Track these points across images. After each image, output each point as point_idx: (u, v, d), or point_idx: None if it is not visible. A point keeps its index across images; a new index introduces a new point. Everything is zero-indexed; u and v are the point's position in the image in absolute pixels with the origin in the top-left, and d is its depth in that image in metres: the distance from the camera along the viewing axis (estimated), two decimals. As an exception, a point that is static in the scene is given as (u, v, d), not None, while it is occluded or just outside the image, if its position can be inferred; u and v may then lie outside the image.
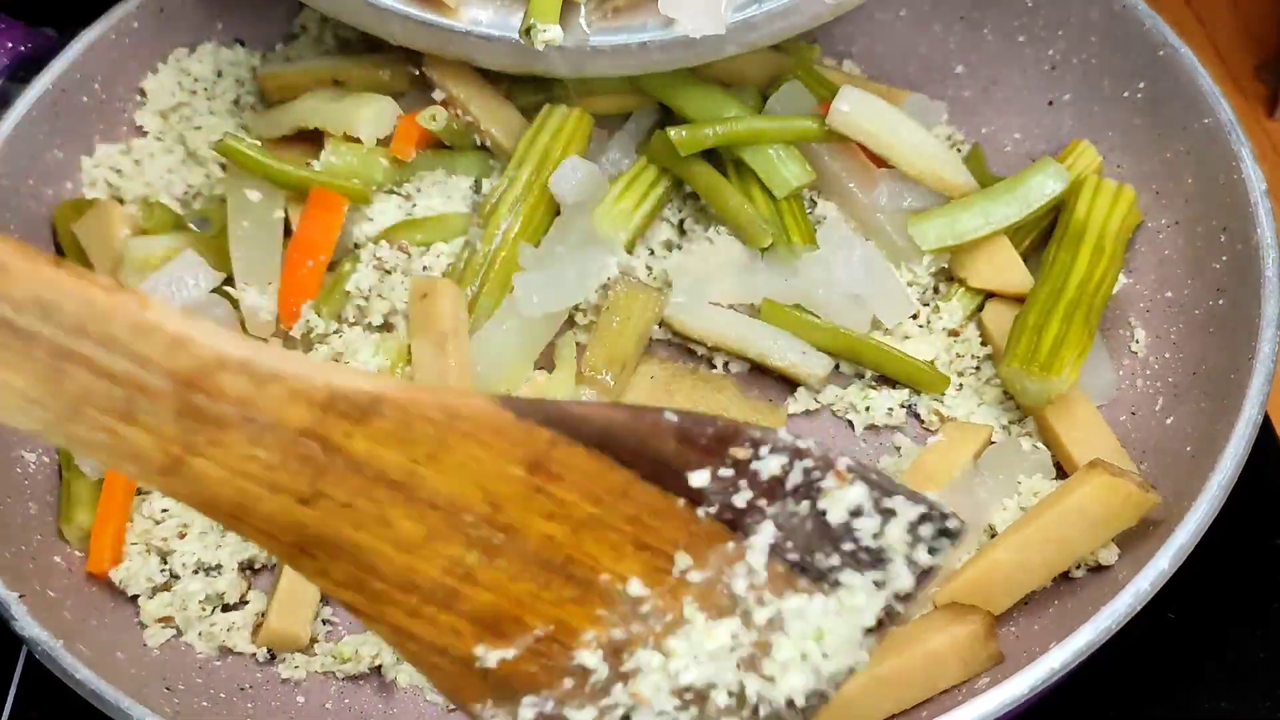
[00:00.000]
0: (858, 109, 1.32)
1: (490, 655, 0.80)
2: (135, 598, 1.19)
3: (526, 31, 1.19)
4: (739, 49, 1.27)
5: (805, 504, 0.81)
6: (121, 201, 1.39)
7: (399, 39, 1.28)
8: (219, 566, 1.19)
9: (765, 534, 0.81)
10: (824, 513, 0.81)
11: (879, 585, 0.82)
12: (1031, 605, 1.15)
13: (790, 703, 0.83)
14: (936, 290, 1.35)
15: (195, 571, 1.19)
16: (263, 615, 1.18)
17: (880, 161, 1.36)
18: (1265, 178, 1.24)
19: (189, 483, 0.75)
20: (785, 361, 1.30)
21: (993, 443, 1.24)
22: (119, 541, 1.19)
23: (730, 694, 0.82)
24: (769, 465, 0.80)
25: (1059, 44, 1.44)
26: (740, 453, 0.80)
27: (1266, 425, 1.34)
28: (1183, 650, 1.24)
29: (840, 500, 0.81)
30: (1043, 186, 1.33)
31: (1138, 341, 1.30)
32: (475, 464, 0.78)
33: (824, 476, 0.81)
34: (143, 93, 1.44)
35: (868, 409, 1.30)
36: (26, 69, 1.45)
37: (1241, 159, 1.24)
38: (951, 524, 0.83)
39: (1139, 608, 1.03)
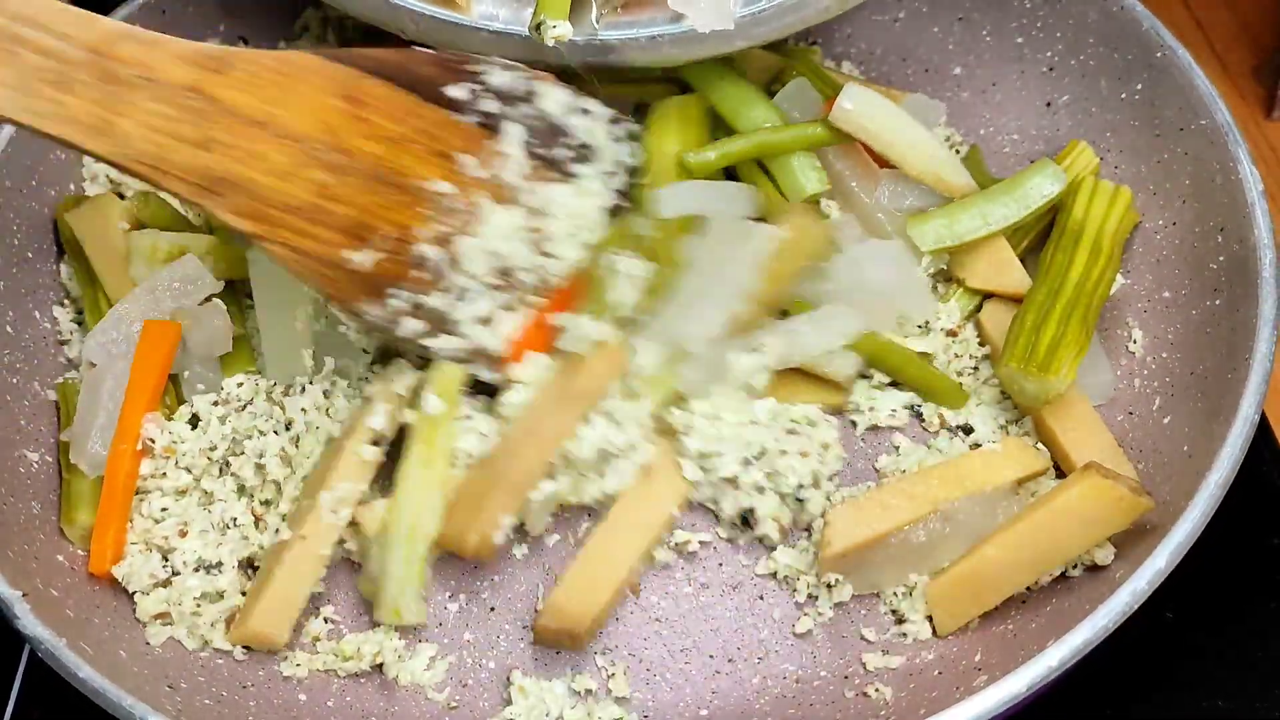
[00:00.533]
0: (861, 107, 1.32)
1: (355, 257, 1.10)
2: (136, 595, 1.19)
3: (536, 28, 1.20)
4: (747, 43, 1.28)
5: (531, 107, 1.19)
6: (122, 197, 1.40)
7: (411, 34, 1.29)
8: (219, 564, 1.19)
9: (515, 132, 1.18)
10: (546, 113, 1.20)
11: (607, 175, 1.24)
12: (1029, 604, 1.15)
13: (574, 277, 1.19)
14: (935, 290, 1.36)
15: (195, 569, 1.19)
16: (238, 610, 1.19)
17: (882, 162, 1.36)
18: (1262, 178, 1.24)
19: (118, 141, 0.99)
20: (812, 360, 1.28)
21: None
22: (120, 541, 1.20)
23: (528, 271, 1.19)
24: (498, 78, 1.18)
25: (1057, 45, 1.44)
26: (474, 68, 1.16)
27: (1263, 425, 1.35)
28: (1180, 649, 1.24)
29: (551, 98, 1.21)
30: (1040, 188, 1.33)
31: (1135, 342, 1.30)
32: (307, 100, 1.06)
33: (535, 85, 1.20)
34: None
35: (872, 409, 1.30)
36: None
37: (1239, 160, 1.24)
38: (634, 127, 1.28)
39: (1136, 606, 1.03)
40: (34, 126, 0.97)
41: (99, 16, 1.01)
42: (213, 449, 1.23)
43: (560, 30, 1.20)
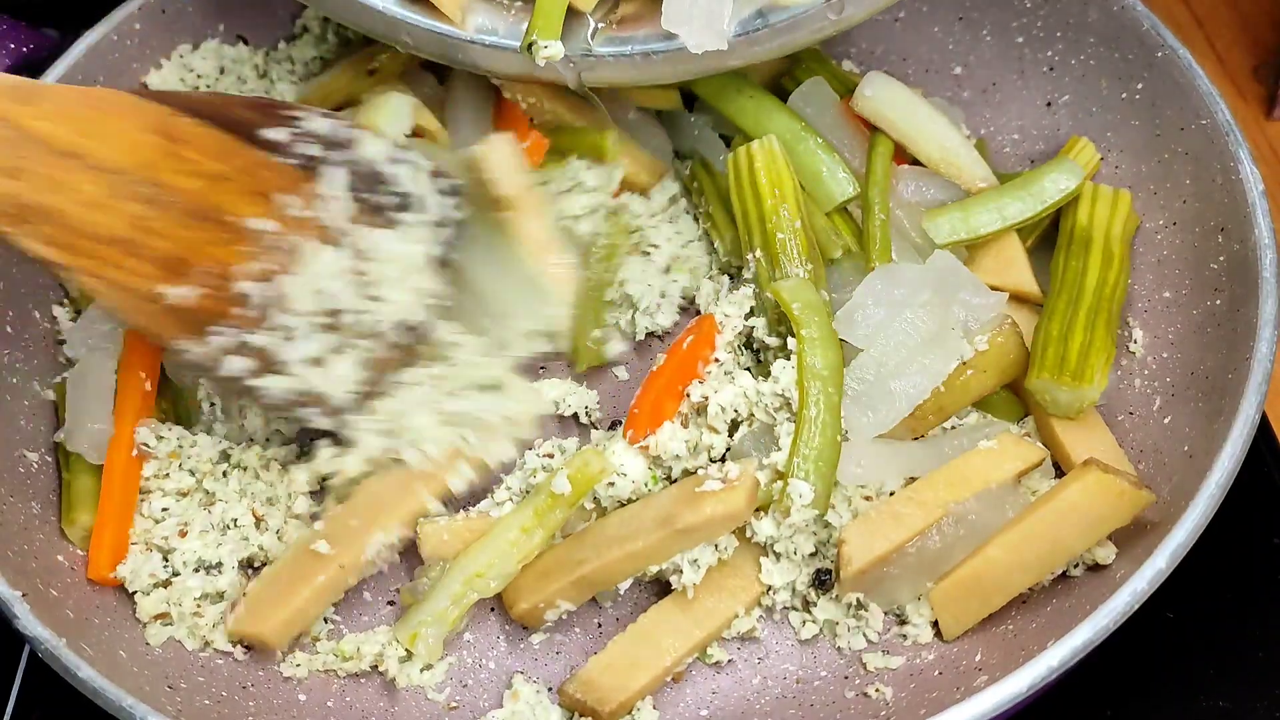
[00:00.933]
0: (882, 95, 1.33)
1: (172, 292, 1.07)
2: (136, 595, 1.19)
3: (528, 48, 1.20)
4: (741, 62, 1.28)
5: (351, 153, 1.18)
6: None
7: (408, 47, 1.29)
8: (219, 565, 1.19)
9: (337, 175, 1.17)
10: (366, 159, 1.19)
11: (434, 226, 1.22)
12: (1030, 604, 1.15)
13: (403, 324, 1.19)
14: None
15: (196, 570, 1.19)
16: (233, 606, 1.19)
17: (901, 158, 1.36)
18: (1263, 178, 1.24)
19: None
20: None
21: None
22: (119, 547, 1.20)
23: (357, 317, 1.16)
24: (317, 124, 1.18)
25: (1057, 45, 1.44)
26: (292, 113, 1.17)
27: (1264, 425, 1.35)
28: (1181, 649, 1.24)
29: (371, 145, 1.20)
30: (1056, 183, 1.33)
31: (1135, 341, 1.30)
32: (121, 134, 1.05)
33: (354, 134, 1.19)
34: (145, 87, 1.44)
35: None
36: (29, 70, 1.45)
37: (1239, 160, 1.24)
38: (457, 181, 1.26)
39: (1136, 606, 1.03)
40: None
41: None
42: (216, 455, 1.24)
43: (551, 51, 1.20)
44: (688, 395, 1.22)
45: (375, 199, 1.19)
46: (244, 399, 1.17)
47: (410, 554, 1.22)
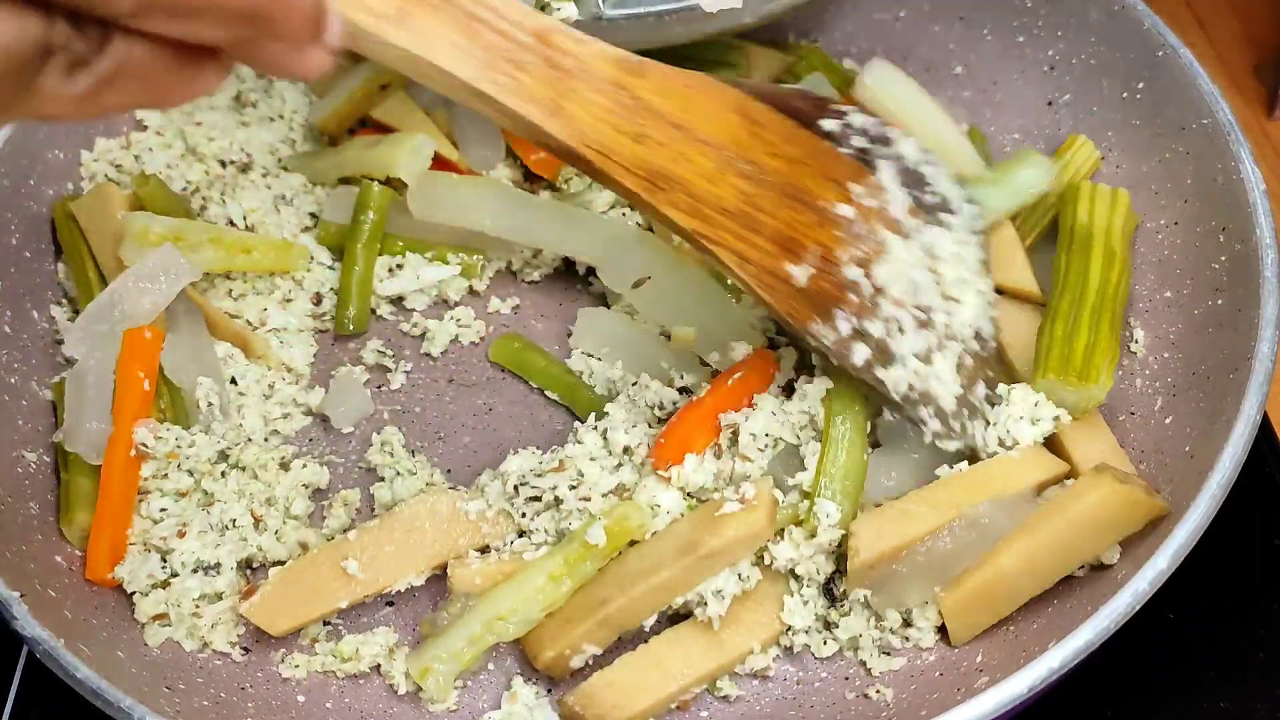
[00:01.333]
0: (882, 83, 1.34)
1: (797, 272, 1.08)
2: (134, 596, 1.19)
3: (541, 8, 1.19)
4: (755, 19, 1.28)
5: (890, 149, 1.15)
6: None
7: None
8: (217, 565, 1.19)
9: (888, 169, 1.14)
10: (904, 157, 1.16)
11: (968, 228, 1.17)
12: (1031, 605, 1.15)
13: (977, 334, 1.16)
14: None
15: (194, 571, 1.18)
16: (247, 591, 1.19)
17: None
18: (1264, 178, 1.24)
19: (569, 123, 1.02)
20: None
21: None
22: (117, 549, 1.19)
23: (940, 313, 1.13)
24: (859, 119, 1.15)
25: (1058, 44, 1.44)
26: (839, 107, 1.14)
27: (1265, 425, 1.35)
28: (1182, 650, 1.24)
29: (906, 143, 1.17)
30: (1029, 179, 1.33)
31: (1137, 341, 1.30)
32: (710, 112, 1.06)
33: (886, 131, 1.16)
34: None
35: None
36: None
37: (1240, 159, 1.24)
38: (973, 190, 1.22)
39: (1138, 607, 1.03)
40: (497, 99, 1.00)
41: (534, 10, 1.05)
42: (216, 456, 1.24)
43: (565, 11, 1.19)
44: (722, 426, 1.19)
45: (923, 196, 1.17)
46: (871, 390, 1.13)
47: (437, 578, 1.21)
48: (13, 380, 1.28)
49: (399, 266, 1.39)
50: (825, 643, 1.18)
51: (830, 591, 1.18)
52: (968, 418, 1.15)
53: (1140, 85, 1.36)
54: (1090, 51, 1.41)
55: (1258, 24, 1.80)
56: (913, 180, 1.16)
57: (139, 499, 1.22)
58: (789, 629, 1.16)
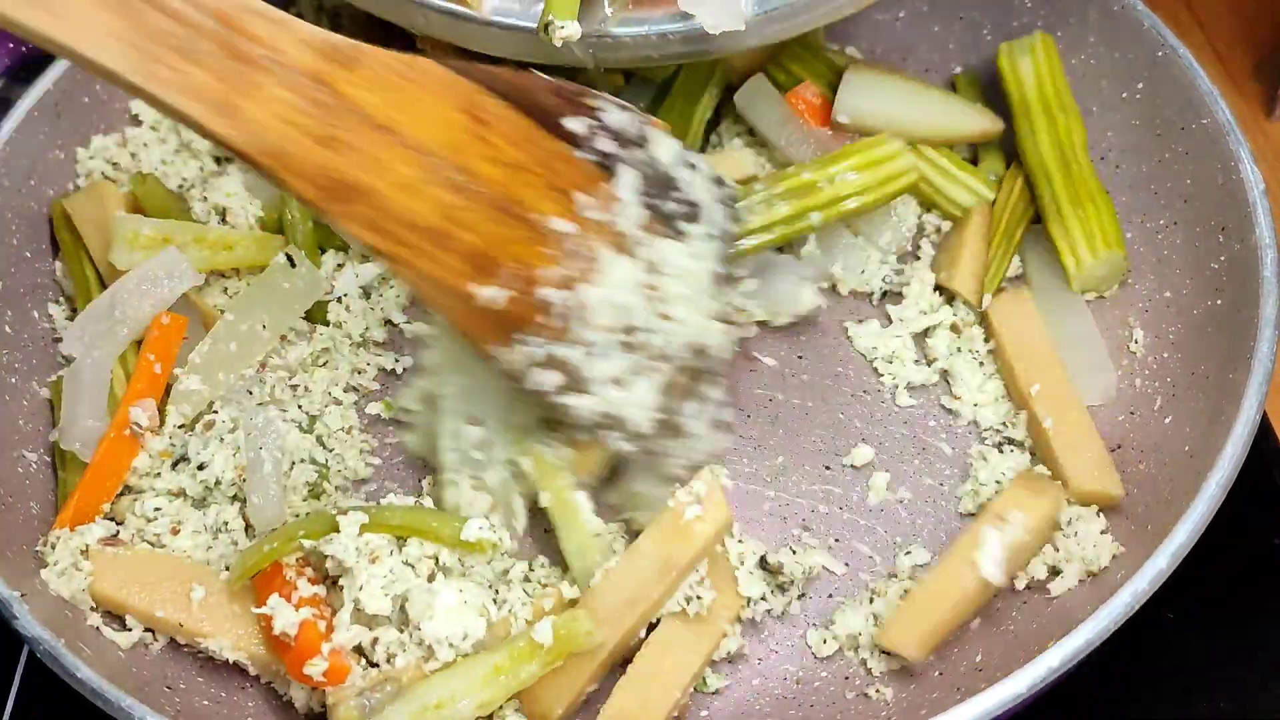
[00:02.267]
0: (858, 106, 1.35)
1: (482, 292, 1.00)
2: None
3: (545, 28, 1.19)
4: (760, 41, 1.27)
5: (642, 151, 1.10)
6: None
7: (422, 29, 1.28)
8: (208, 565, 1.18)
9: (628, 176, 1.08)
10: (657, 160, 1.11)
11: (710, 236, 1.14)
12: (1030, 605, 1.15)
13: (699, 350, 1.13)
14: (940, 292, 1.36)
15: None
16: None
17: None
18: (1264, 178, 1.24)
19: (243, 126, 0.90)
20: None
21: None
22: (86, 511, 1.19)
23: (653, 337, 1.08)
24: (613, 116, 1.09)
25: (1057, 44, 1.44)
26: (591, 103, 1.09)
27: (1265, 425, 1.35)
28: (1182, 650, 1.24)
29: (663, 145, 1.13)
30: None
31: (1136, 341, 1.30)
32: (431, 110, 0.97)
33: (648, 131, 1.11)
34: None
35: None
36: (27, 69, 1.45)
37: (1240, 159, 1.24)
38: (734, 190, 1.20)
39: (1137, 607, 1.03)
40: (156, 95, 0.87)
41: None
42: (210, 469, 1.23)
43: (568, 31, 1.18)
44: None
45: (665, 206, 1.11)
46: (554, 413, 1.08)
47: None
48: (13, 380, 1.28)
49: (339, 266, 1.38)
50: (824, 642, 1.18)
51: (765, 563, 1.19)
52: (669, 438, 1.12)
53: (1140, 85, 1.36)
54: (1090, 52, 1.41)
55: (1258, 24, 1.80)
56: (659, 187, 1.11)
57: (134, 498, 1.21)
58: (749, 600, 1.17)
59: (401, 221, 0.96)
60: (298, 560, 1.12)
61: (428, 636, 1.08)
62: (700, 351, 1.14)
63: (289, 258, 1.31)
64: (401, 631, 1.10)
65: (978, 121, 1.41)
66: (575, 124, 1.06)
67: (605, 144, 1.07)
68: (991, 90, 1.47)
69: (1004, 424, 1.29)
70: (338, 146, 0.93)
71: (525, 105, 1.04)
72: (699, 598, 1.13)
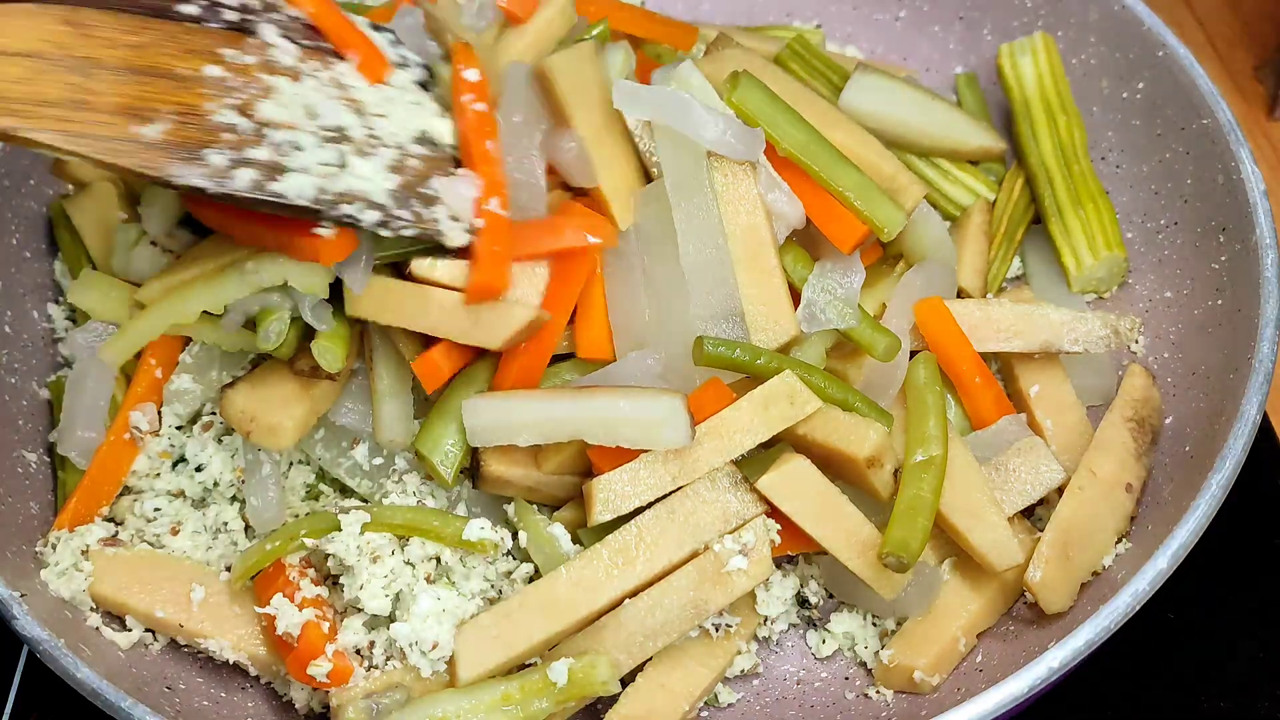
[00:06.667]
0: (865, 102, 1.35)
1: (147, 130, 1.06)
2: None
3: None
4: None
5: (277, 13, 1.18)
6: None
7: None
8: (208, 565, 1.18)
9: (268, 28, 1.16)
10: (298, 16, 1.18)
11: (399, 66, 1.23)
12: (1031, 605, 1.15)
13: (423, 139, 1.18)
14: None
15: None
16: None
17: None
18: (1264, 178, 1.24)
19: None
20: None
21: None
22: (85, 513, 1.19)
23: (367, 132, 1.15)
24: None
25: (1058, 44, 1.44)
26: None
27: (1265, 425, 1.35)
28: (1182, 650, 1.24)
29: (290, 7, 1.18)
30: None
31: (1137, 341, 1.30)
32: (27, 29, 1.05)
33: (276, 2, 1.18)
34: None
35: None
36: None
37: (1240, 159, 1.24)
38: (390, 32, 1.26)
39: (1138, 607, 1.03)
40: None
41: None
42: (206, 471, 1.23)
43: None
44: None
45: (317, 43, 1.19)
46: (270, 207, 1.10)
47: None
48: (13, 380, 1.28)
49: None
50: (824, 642, 1.18)
51: (802, 601, 1.19)
52: (420, 205, 1.14)
53: (1140, 85, 1.37)
54: (1090, 51, 1.41)
55: (1258, 24, 1.80)
56: (306, 32, 1.19)
57: (134, 499, 1.21)
58: (765, 620, 1.17)
59: (29, 101, 1.03)
60: (300, 561, 1.12)
61: (397, 637, 1.08)
62: (428, 141, 1.19)
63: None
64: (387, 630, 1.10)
65: (979, 139, 1.40)
66: (190, 8, 1.13)
67: (229, 14, 1.15)
68: (991, 90, 1.48)
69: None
70: None
71: (130, 7, 1.11)
72: (726, 626, 1.13)
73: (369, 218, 1.12)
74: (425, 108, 1.21)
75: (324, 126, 1.13)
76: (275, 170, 1.09)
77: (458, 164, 1.19)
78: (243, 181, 1.08)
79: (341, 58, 1.19)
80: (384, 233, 1.12)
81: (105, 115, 1.06)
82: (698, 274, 1.16)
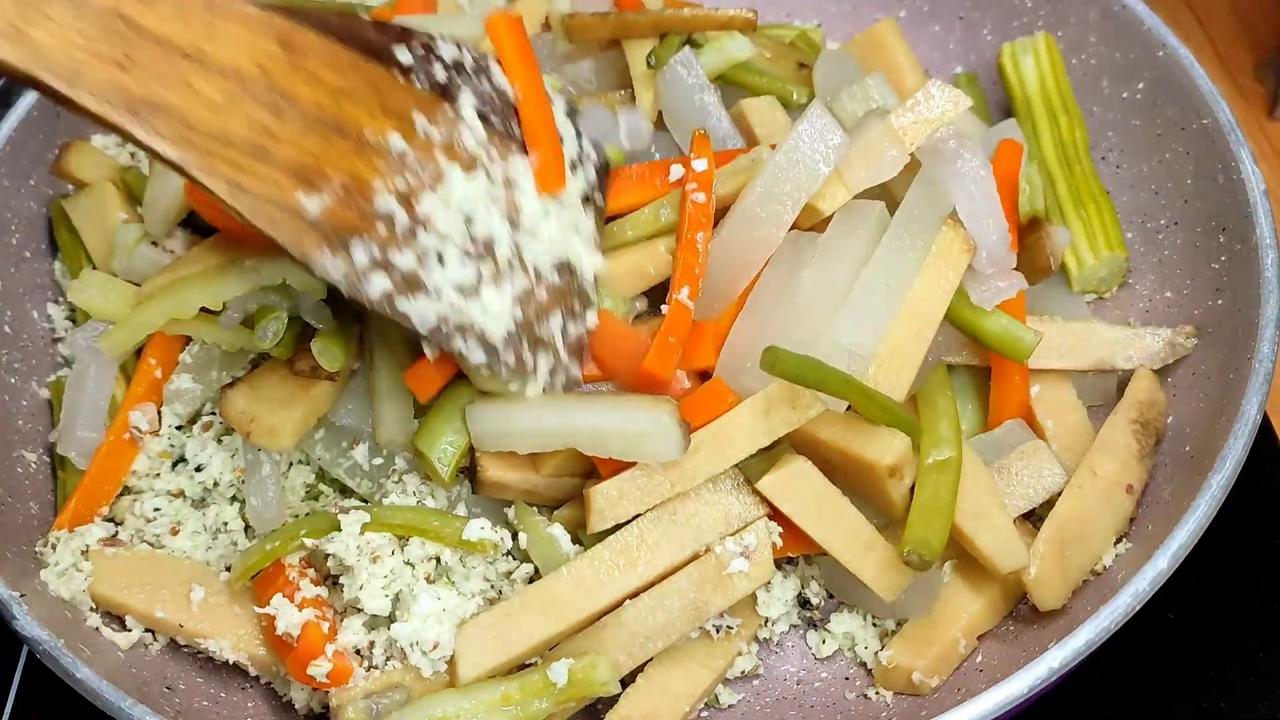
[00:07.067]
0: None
1: (310, 203, 1.00)
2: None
3: None
4: None
5: (485, 81, 1.14)
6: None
7: None
8: (208, 565, 1.19)
9: (468, 99, 1.12)
10: (503, 89, 1.15)
11: (571, 167, 1.17)
12: (1031, 605, 1.15)
13: (563, 268, 1.14)
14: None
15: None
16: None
17: None
18: (1264, 178, 1.24)
19: (31, 49, 0.90)
20: None
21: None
22: (84, 513, 1.19)
23: (512, 250, 1.10)
24: (447, 50, 1.12)
25: (1058, 44, 1.44)
26: (422, 37, 1.11)
27: (1265, 425, 1.35)
28: (1182, 650, 1.24)
29: (502, 76, 1.15)
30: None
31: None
32: (241, 41, 0.99)
33: (489, 63, 1.15)
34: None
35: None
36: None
37: (1241, 159, 1.24)
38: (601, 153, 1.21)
39: (1138, 608, 1.03)
40: None
41: None
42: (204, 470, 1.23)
43: None
44: None
45: (509, 127, 1.13)
46: (398, 323, 1.05)
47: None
48: (13, 380, 1.28)
49: None
50: (824, 642, 1.18)
51: (804, 602, 1.19)
52: (528, 349, 1.10)
53: (1140, 85, 1.36)
54: (1090, 51, 1.41)
55: (1257, 25, 1.80)
56: (503, 111, 1.14)
57: (134, 499, 1.21)
58: (766, 621, 1.17)
59: (213, 136, 0.96)
60: (300, 561, 1.12)
61: (398, 637, 1.08)
62: (566, 270, 1.14)
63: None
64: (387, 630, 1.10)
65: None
66: (403, 53, 1.09)
67: (439, 72, 1.11)
68: (992, 90, 1.47)
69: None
70: (137, 70, 0.94)
71: (346, 38, 1.06)
72: (727, 628, 1.13)
73: (475, 357, 1.07)
74: (580, 233, 1.16)
75: (474, 236, 1.08)
76: (410, 285, 1.04)
77: (584, 303, 1.15)
78: (375, 290, 1.03)
79: (524, 150, 1.14)
80: (484, 371, 1.09)
81: (278, 173, 0.99)
82: (859, 300, 1.12)
